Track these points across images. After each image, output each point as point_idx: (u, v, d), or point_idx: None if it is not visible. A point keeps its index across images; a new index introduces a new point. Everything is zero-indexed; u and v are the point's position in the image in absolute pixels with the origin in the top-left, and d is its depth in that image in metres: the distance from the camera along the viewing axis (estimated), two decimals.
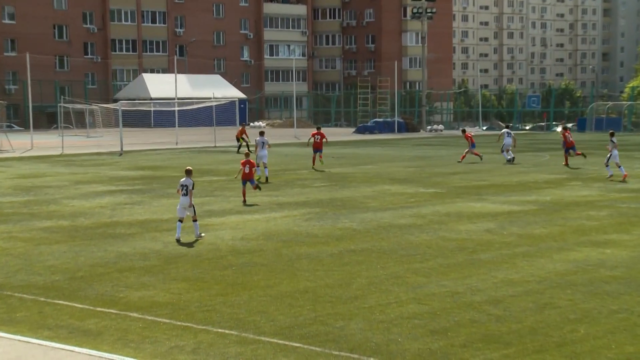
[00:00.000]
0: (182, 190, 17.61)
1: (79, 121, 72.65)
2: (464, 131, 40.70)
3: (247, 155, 25.47)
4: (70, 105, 68.17)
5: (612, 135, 30.76)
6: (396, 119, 76.18)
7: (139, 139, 61.60)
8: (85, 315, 11.52)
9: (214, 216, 21.06)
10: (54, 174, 33.62)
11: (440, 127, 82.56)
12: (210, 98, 68.19)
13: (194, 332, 10.57)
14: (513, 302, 12.02)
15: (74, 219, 20.68)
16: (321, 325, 10.89)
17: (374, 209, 22.28)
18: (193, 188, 17.60)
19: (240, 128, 47.42)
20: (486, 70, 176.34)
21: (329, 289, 12.97)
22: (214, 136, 54.77)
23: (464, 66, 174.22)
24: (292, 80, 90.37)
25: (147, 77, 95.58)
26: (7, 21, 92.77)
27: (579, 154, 35.92)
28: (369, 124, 77.94)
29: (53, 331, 10.72)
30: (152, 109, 75.96)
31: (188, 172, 17.77)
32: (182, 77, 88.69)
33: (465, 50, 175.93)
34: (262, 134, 32.16)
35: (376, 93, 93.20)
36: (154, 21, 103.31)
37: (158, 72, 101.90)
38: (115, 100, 76.06)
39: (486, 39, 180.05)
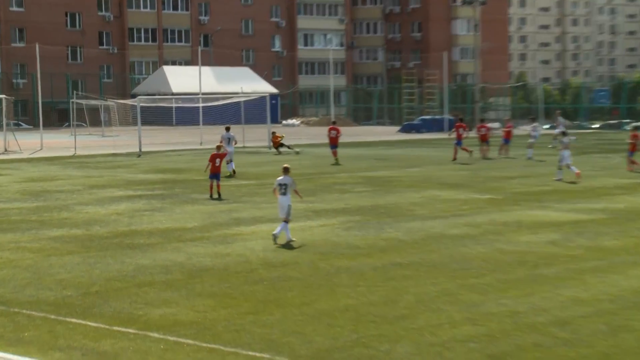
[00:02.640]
0: (280, 189, 18.25)
1: (93, 119, 73.32)
2: (461, 119, 43.26)
3: (218, 148, 26.73)
4: (83, 101, 68.81)
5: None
6: (446, 116, 75.85)
7: (159, 139, 62.02)
8: (100, 335, 11.53)
9: (242, 225, 21.06)
10: (65, 177, 33.92)
11: (496, 125, 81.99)
12: (238, 93, 68.43)
13: (222, 355, 10.54)
14: (582, 323, 11.83)
15: (88, 228, 20.80)
16: (364, 348, 10.79)
17: (422, 217, 22.16)
18: (296, 185, 18.53)
19: (273, 136, 47.49)
20: (547, 62, 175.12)
21: (372, 307, 12.87)
22: (243, 135, 54.91)
23: (522, 57, 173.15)
24: (328, 73, 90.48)
25: (168, 69, 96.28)
26: (15, 8, 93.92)
27: None
28: (415, 122, 77.78)
29: (65, 353, 10.74)
30: (173, 105, 76.45)
31: (285, 170, 18.51)
32: (206, 70, 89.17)
33: (523, 39, 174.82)
34: (228, 129, 35.26)
35: (423, 87, 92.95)
36: (175, 8, 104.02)
37: (180, 64, 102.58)
38: (133, 96, 76.69)
39: (547, 27, 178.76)
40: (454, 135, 42.14)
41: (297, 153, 46.16)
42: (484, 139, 43.01)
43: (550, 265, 15.87)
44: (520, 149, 46.02)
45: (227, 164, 33.07)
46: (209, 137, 58.19)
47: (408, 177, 32.83)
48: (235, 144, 36.21)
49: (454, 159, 40.73)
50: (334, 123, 42.11)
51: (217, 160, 26.95)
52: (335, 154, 39.86)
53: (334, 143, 40.08)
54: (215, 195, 26.58)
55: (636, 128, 37.45)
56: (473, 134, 49.53)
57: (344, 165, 38.74)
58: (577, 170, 30.87)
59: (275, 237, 18.21)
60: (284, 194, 18.37)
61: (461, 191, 27.91)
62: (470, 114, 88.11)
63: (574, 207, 23.72)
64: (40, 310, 12.84)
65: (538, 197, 26.25)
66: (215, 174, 26.80)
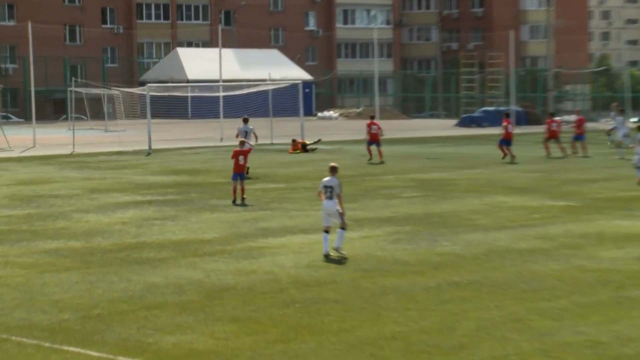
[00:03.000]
0: (325, 192, 18.57)
1: (94, 110, 73.83)
2: (507, 115, 44.10)
3: (242, 143, 26.94)
4: (83, 90, 69.24)
5: None
6: (512, 107, 75.45)
7: (172, 134, 62.35)
8: None
9: (270, 236, 21.11)
10: (62, 180, 34.19)
11: (573, 117, 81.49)
12: (265, 80, 68.60)
13: None
14: None
15: (88, 239, 20.95)
16: None
17: (485, 227, 22.10)
18: (341, 189, 18.72)
19: (293, 143, 47.50)
20: (635, 42, 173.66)
21: (424, 334, 12.85)
22: (271, 130, 55.06)
23: (605, 37, 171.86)
24: (372, 57, 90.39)
25: (183, 52, 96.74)
26: None
27: None
28: (475, 114, 77.47)
29: None
30: (189, 94, 76.76)
31: (333, 170, 18.89)
32: (228, 53, 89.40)
33: (606, 16, 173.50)
34: (246, 121, 35.81)
35: (485, 73, 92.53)
36: None
37: (197, 46, 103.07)
38: (142, 83, 77.08)
39: (635, 0, 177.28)
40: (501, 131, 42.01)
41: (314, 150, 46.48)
42: (553, 136, 42.73)
43: (639, 286, 15.74)
44: (598, 146, 45.70)
45: None
46: (231, 132, 58.25)
47: (467, 180, 32.74)
48: (256, 140, 36.39)
49: (505, 156, 41.05)
50: (372, 118, 42.95)
51: (241, 157, 27.27)
52: (380, 152, 40.13)
53: (375, 139, 40.89)
54: (239, 201, 26.80)
55: None
56: (536, 129, 49.18)
57: (390, 166, 38.70)
58: None
59: (338, 249, 18.53)
60: (330, 197, 18.67)
61: (531, 197, 27.78)
62: (542, 105, 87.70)
63: None
64: (32, 337, 12.93)
65: (625, 204, 26.08)
66: (239, 174, 27.11)
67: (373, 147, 40.99)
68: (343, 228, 18.66)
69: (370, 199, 27.63)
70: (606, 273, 16.74)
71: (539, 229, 21.79)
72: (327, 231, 18.65)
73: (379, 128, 41.38)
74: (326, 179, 18.91)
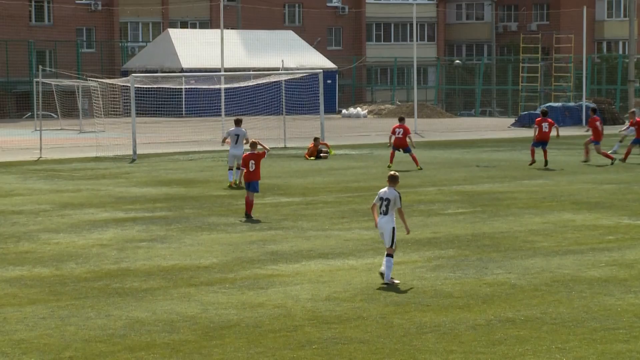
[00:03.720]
0: (380, 206, 18.98)
1: (67, 107, 74.05)
2: (594, 110, 44.93)
3: (253, 145, 28.07)
4: (53, 81, 69.38)
5: None
6: (584, 102, 75.43)
7: (162, 136, 62.48)
8: None
9: (282, 262, 21.23)
10: (26, 192, 34.36)
11: None
12: (278, 69, 68.73)
13: None
14: None
15: (58, 265, 21.10)
16: None
17: (546, 251, 22.14)
18: (401, 202, 19.10)
19: (311, 145, 47.51)
20: None
21: None
22: (284, 131, 55.17)
23: None
24: (411, 40, 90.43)
25: (176, 34, 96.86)
26: None
27: None
28: (538, 111, 77.33)
29: None
30: (183, 86, 76.85)
31: (392, 180, 19.33)
32: (231, 35, 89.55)
33: None
34: (238, 122, 36.18)
35: (551, 60, 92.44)
36: None
37: (194, 26, 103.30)
38: (126, 73, 77.35)
39: None
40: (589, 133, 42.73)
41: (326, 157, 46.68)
42: (543, 139, 43.05)
43: None
44: None
45: (233, 170, 35.11)
46: (232, 137, 58.53)
47: (526, 194, 32.75)
48: (246, 143, 36.49)
49: (587, 159, 42.62)
50: (400, 120, 43.09)
51: (252, 163, 27.65)
52: (413, 159, 40.34)
53: (401, 145, 41.72)
54: (253, 215, 27.46)
55: None
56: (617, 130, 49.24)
57: (430, 175, 38.74)
58: None
59: (382, 275, 18.92)
60: (385, 212, 19.04)
61: (605, 214, 27.78)
62: (620, 100, 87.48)
63: None
64: None
65: None
66: (249, 183, 27.69)
67: (405, 155, 41.69)
68: (391, 255, 18.96)
69: (406, 216, 27.64)
70: None
71: (614, 253, 21.81)
72: (389, 255, 19.05)
73: (406, 132, 41.73)
74: (383, 189, 19.32)
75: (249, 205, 27.55)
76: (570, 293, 18.02)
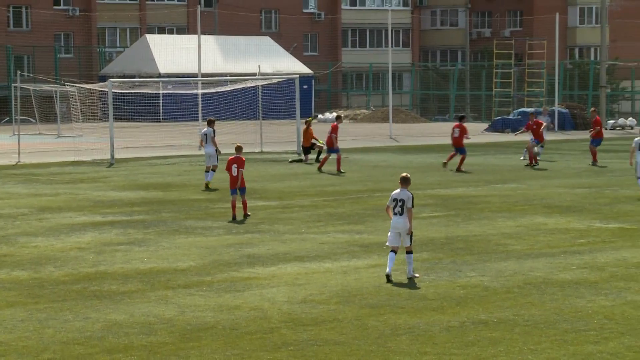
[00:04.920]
0: (395, 207, 19.38)
1: (45, 111, 73.93)
2: (537, 114, 46.67)
3: (238, 149, 28.48)
4: (31, 86, 69.24)
5: None
6: (556, 108, 75.71)
7: (140, 140, 62.42)
8: None
9: (259, 265, 21.25)
10: (5, 196, 34.30)
11: (631, 121, 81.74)
12: (254, 74, 68.75)
13: None
14: None
15: (37, 268, 21.08)
16: None
17: (519, 254, 22.22)
18: (413, 205, 19.63)
19: (304, 129, 47.69)
20: None
21: None
22: (260, 136, 55.20)
23: None
24: (386, 46, 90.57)
25: (154, 40, 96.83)
26: None
27: None
28: (511, 116, 77.58)
29: None
30: (160, 91, 76.75)
31: (404, 181, 19.76)
32: (209, 41, 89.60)
33: None
34: (210, 123, 37.39)
35: (524, 66, 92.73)
36: None
37: (171, 32, 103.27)
38: (103, 78, 77.26)
39: None
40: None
41: (300, 161, 46.89)
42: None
43: None
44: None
45: (207, 172, 36.31)
46: (202, 137, 58.55)
47: (499, 197, 32.82)
48: (205, 143, 37.14)
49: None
50: (461, 119, 45.21)
51: (234, 167, 27.88)
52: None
53: (457, 145, 43.16)
54: (240, 217, 27.84)
55: None
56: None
57: (417, 181, 38.77)
58: None
59: (388, 276, 19.29)
60: (401, 213, 19.44)
61: (576, 217, 27.85)
62: (592, 106, 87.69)
63: None
64: None
65: None
66: (234, 189, 28.01)
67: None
68: (409, 252, 19.57)
69: (380, 220, 27.68)
70: None
71: (585, 256, 21.87)
72: (394, 251, 19.57)
73: (463, 131, 42.76)
74: (396, 191, 19.74)
75: (234, 208, 27.93)
76: (542, 295, 18.11)
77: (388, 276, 19.29)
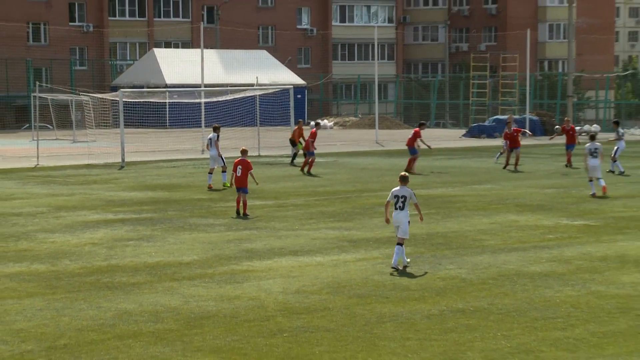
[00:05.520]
0: (396, 202, 19.74)
1: (61, 119, 73.89)
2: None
3: (243, 152, 28.85)
4: (49, 96, 69.26)
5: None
6: (527, 115, 75.79)
7: (148, 145, 62.40)
8: None
9: (256, 258, 21.29)
10: (25, 196, 34.30)
11: (595, 127, 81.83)
12: (252, 85, 68.71)
13: None
14: None
15: (54, 262, 21.12)
16: None
17: (493, 249, 22.28)
18: (416, 199, 20.13)
19: (296, 128, 47.89)
20: None
21: None
22: (258, 141, 55.22)
23: (633, 37, 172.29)
24: (373, 59, 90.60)
25: (161, 54, 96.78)
26: None
27: None
28: (486, 123, 77.63)
29: None
30: (167, 100, 76.75)
31: (404, 179, 20.19)
32: (211, 55, 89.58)
33: (635, 13, 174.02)
34: (216, 129, 37.51)
35: (498, 77, 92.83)
36: None
37: (176, 46, 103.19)
38: (115, 88, 77.20)
39: None
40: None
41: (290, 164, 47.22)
42: None
43: None
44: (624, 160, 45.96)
45: (210, 174, 36.51)
46: (207, 141, 58.55)
47: (475, 197, 32.88)
48: (218, 151, 37.05)
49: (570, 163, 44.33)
50: (316, 125, 46.02)
51: (239, 168, 28.29)
52: (516, 157, 43.61)
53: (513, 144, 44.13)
54: (242, 216, 28.04)
55: None
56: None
57: (390, 181, 38.82)
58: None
59: (396, 269, 19.61)
60: (402, 208, 19.77)
61: (546, 215, 27.92)
62: (560, 114, 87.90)
63: None
64: None
65: None
66: (239, 188, 28.41)
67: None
68: (401, 244, 19.81)
69: (367, 218, 27.79)
70: (627, 300, 16.94)
71: (554, 251, 21.96)
72: (400, 243, 19.86)
73: (416, 134, 43.17)
74: (396, 188, 20.08)
75: (238, 203, 28.33)
76: (514, 286, 18.17)
77: (394, 268, 19.73)
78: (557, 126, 60.01)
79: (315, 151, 43.35)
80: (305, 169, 42.28)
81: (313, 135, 43.30)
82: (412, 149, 42.84)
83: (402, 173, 20.54)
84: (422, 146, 43.15)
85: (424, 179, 39.35)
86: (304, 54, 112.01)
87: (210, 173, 36.42)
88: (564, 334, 14.67)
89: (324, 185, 37.37)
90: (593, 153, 32.95)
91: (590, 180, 32.87)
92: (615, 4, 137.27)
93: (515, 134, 44.95)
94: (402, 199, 19.85)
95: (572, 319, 15.63)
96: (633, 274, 19.27)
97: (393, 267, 19.76)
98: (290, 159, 47.67)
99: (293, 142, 47.43)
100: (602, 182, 32.76)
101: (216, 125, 38.40)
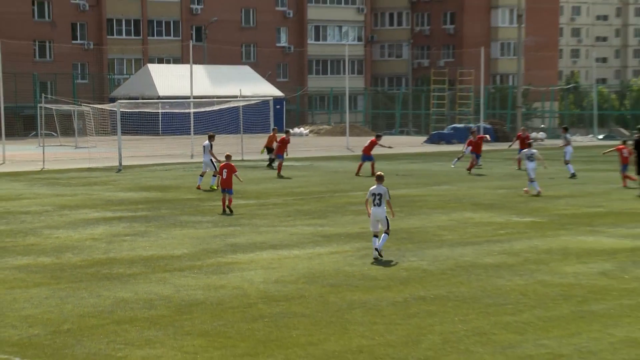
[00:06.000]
0: (374, 200, 19.85)
1: (64, 127, 73.68)
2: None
3: (228, 157, 29.16)
4: (53, 106, 69.01)
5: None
6: (482, 124, 76.00)
7: (143, 150, 62.29)
8: None
9: (240, 252, 21.29)
10: (32, 196, 34.19)
11: (541, 135, 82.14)
12: (236, 97, 68.66)
13: None
14: None
15: (58, 255, 21.07)
16: None
17: (451, 243, 22.36)
18: (389, 195, 20.18)
19: (270, 134, 47.90)
20: (604, 60, 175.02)
21: (390, 348, 13.08)
22: (241, 147, 55.16)
23: (575, 54, 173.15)
24: (344, 73, 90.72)
25: (154, 68, 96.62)
26: None
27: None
28: (445, 131, 77.81)
29: None
30: (160, 110, 76.64)
31: (379, 178, 20.45)
32: (199, 69, 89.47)
33: (576, 33, 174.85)
34: (209, 138, 37.16)
35: (456, 90, 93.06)
36: None
37: (168, 62, 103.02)
38: (113, 100, 77.00)
39: (605, 17, 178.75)
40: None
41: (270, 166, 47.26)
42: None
43: (601, 300, 16.04)
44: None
45: (201, 176, 36.41)
46: (202, 148, 58.50)
47: (435, 197, 32.97)
48: (212, 156, 36.83)
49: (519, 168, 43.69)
50: (286, 133, 46.06)
51: (225, 171, 28.55)
52: (279, 167, 42.66)
53: (278, 153, 43.51)
54: (228, 212, 28.20)
55: (624, 142, 38.37)
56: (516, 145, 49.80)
57: (359, 182, 38.91)
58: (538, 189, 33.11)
59: (379, 250, 19.91)
60: (379, 204, 19.92)
61: (498, 213, 28.03)
62: (511, 122, 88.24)
63: (631, 233, 23.83)
64: (2, 352, 13.07)
65: (588, 220, 26.38)
66: (224, 189, 28.58)
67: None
68: (387, 232, 20.04)
69: (339, 215, 27.82)
70: (569, 288, 17.04)
71: (505, 244, 22.06)
72: (376, 235, 20.09)
73: (372, 143, 43.55)
74: (374, 187, 20.26)
75: (224, 203, 28.49)
76: (469, 276, 18.23)
77: (377, 249, 19.98)
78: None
79: (285, 156, 43.35)
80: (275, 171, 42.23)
81: (282, 141, 43.23)
82: (368, 156, 42.79)
83: (378, 173, 20.80)
84: (384, 149, 43.60)
85: (389, 180, 39.31)
86: (282, 69, 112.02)
87: (201, 176, 36.32)
88: (514, 318, 14.73)
89: (301, 186, 37.38)
90: (529, 157, 33.63)
91: (531, 181, 33.12)
92: (559, 25, 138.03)
93: (479, 140, 45.17)
94: (379, 197, 20.03)
95: (521, 305, 15.69)
96: (574, 264, 19.37)
97: (379, 254, 19.98)
98: (267, 162, 47.57)
99: (269, 149, 47.42)
100: (537, 186, 33.26)
101: (211, 133, 38.13)
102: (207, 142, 36.96)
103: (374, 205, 20.08)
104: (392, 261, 19.94)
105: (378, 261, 19.73)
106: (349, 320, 14.74)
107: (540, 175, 34.72)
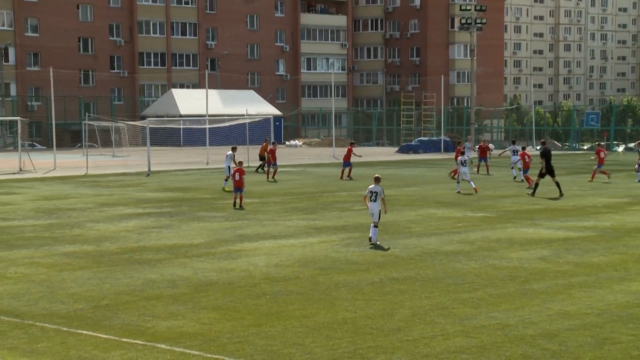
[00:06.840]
0: (371, 196, 20.03)
1: (104, 139, 73.58)
2: (598, 145, 41.79)
3: (240, 163, 29.59)
4: (95, 123, 68.96)
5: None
6: (442, 137, 76.02)
7: (167, 159, 62.21)
8: (110, 346, 11.66)
9: (246, 241, 21.20)
10: (77, 196, 34.07)
11: (491, 146, 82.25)
12: (243, 115, 68.67)
13: None
14: (569, 336, 11.95)
15: (98, 244, 20.95)
16: (361, 359, 10.93)
17: (418, 234, 22.29)
18: (384, 195, 20.29)
19: (263, 144, 47.74)
20: (540, 86, 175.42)
21: (369, 319, 13.00)
22: (247, 155, 55.10)
23: (517, 81, 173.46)
24: (330, 96, 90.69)
25: (177, 92, 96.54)
26: (30, 34, 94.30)
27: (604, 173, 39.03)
28: (413, 143, 77.88)
29: None
30: (181, 126, 76.63)
31: (377, 179, 20.53)
32: (213, 93, 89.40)
33: (518, 64, 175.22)
34: (233, 149, 36.71)
35: (421, 110, 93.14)
36: (184, 33, 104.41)
37: (188, 87, 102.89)
38: (143, 118, 76.92)
39: (541, 52, 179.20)
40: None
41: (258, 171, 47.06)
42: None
43: (540, 280, 15.98)
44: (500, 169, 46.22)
45: (228, 180, 35.33)
46: (216, 157, 58.35)
47: (405, 196, 32.92)
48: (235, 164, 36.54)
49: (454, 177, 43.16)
50: (273, 144, 44.42)
51: (237, 174, 28.69)
52: (273, 173, 41.67)
53: (270, 162, 42.44)
54: (238, 207, 28.44)
55: (599, 144, 41.14)
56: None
57: (343, 184, 38.86)
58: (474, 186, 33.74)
59: (372, 240, 20.09)
60: (375, 200, 20.07)
61: (456, 209, 28.00)
62: (466, 136, 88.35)
63: (563, 225, 23.81)
64: (53, 323, 12.97)
65: (530, 215, 26.33)
66: (236, 188, 28.77)
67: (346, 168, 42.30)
68: (376, 226, 20.06)
69: (327, 211, 27.75)
70: (514, 270, 16.98)
71: (462, 235, 22.02)
72: (375, 225, 20.06)
73: (349, 151, 42.69)
74: (371, 186, 20.34)
75: (235, 200, 28.74)
76: (433, 261, 18.16)
77: (371, 238, 20.15)
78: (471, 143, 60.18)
79: (277, 163, 43.14)
80: (270, 177, 41.72)
81: (271, 152, 42.77)
82: (347, 163, 42.52)
83: (376, 175, 20.93)
84: (355, 157, 43.66)
85: (368, 182, 39.19)
86: (280, 93, 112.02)
87: (226, 180, 35.58)
88: (470, 295, 14.66)
89: (296, 187, 37.29)
90: (463, 163, 34.17)
91: (458, 182, 33.97)
92: (504, 58, 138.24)
93: (485, 148, 46.03)
94: (375, 194, 20.12)
95: (475, 284, 15.62)
96: (518, 251, 19.31)
97: (372, 243, 20.07)
98: (256, 167, 47.73)
99: (261, 157, 47.40)
100: (472, 184, 33.91)
101: (234, 146, 37.83)
102: (230, 152, 36.57)
103: (371, 200, 20.19)
104: (371, 248, 19.86)
105: (376, 247, 19.84)
106: (335, 297, 14.65)
107: (489, 179, 34.66)
